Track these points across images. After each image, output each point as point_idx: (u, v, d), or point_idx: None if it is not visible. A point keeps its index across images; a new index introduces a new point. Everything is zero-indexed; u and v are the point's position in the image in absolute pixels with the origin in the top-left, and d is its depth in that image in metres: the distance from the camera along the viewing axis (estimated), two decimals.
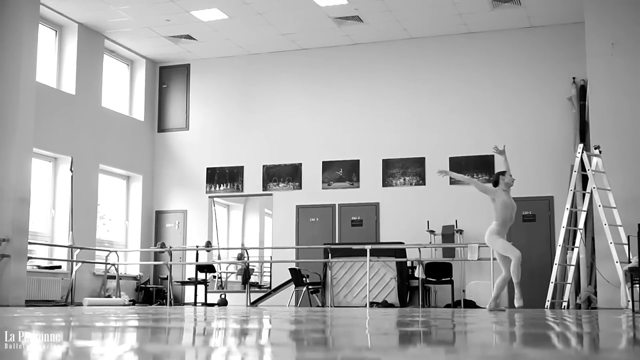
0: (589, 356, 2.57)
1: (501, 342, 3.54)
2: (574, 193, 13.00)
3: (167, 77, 17.77)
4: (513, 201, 9.94)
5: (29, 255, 13.31)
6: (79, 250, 14.67)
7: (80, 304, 14.12)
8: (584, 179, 13.05)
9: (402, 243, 14.36)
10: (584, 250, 13.18)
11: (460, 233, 14.91)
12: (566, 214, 12.90)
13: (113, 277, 15.69)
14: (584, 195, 13.08)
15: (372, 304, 13.61)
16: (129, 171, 16.93)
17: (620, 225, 12.06)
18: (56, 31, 15.26)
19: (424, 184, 15.54)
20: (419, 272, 14.11)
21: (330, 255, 14.53)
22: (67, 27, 15.29)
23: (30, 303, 13.03)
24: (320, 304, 14.65)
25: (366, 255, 13.41)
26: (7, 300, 12.47)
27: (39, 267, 14.04)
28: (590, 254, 13.28)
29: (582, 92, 14.28)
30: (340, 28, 15.40)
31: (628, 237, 11.58)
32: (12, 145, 12.97)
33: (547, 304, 12.51)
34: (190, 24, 15.27)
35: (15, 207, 12.82)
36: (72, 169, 14.90)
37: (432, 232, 14.91)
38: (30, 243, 13.32)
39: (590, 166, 12.51)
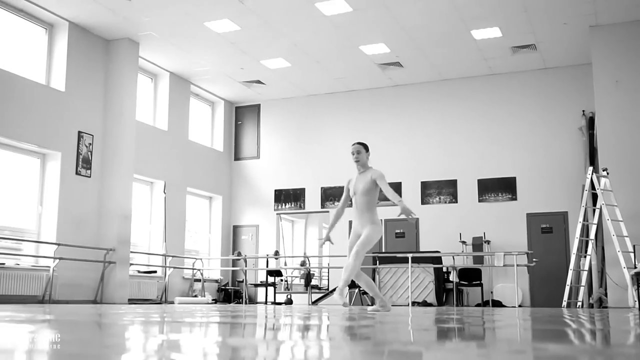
0: (602, 350, 2.50)
1: (525, 336, 3.47)
2: (585, 209, 12.77)
3: (241, 115, 18.00)
4: (359, 185, 7.57)
5: (130, 262, 13.55)
6: (171, 257, 14.89)
7: (172, 302, 14.29)
8: (594, 197, 12.79)
9: (439, 252, 14.22)
10: (595, 257, 12.89)
11: (488, 243, 14.71)
12: (579, 226, 12.66)
13: (198, 280, 15.86)
14: (594, 210, 12.79)
15: (413, 303, 13.48)
16: (211, 192, 17.14)
17: (627, 236, 11.81)
18: (152, 79, 15.60)
19: (457, 202, 15.38)
20: (453, 277, 13.94)
21: (378, 262, 14.45)
22: (161, 75, 15.62)
23: (132, 301, 13.25)
24: (370, 304, 14.55)
25: (408, 262, 13.30)
26: (114, 299, 12.71)
27: (139, 271, 14.28)
28: (600, 261, 12.95)
29: (590, 122, 14.02)
30: (384, 72, 15.41)
31: (634, 246, 11.38)
32: (117, 172, 13.26)
33: (564, 303, 12.25)
34: (260, 71, 15.46)
35: (120, 222, 13.08)
36: (165, 191, 15.14)
37: (463, 242, 14.74)
38: (131, 252, 13.56)
39: (599, 185, 12.27)
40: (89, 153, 13.03)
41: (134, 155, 13.60)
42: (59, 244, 11.92)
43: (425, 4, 11.86)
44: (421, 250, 15.12)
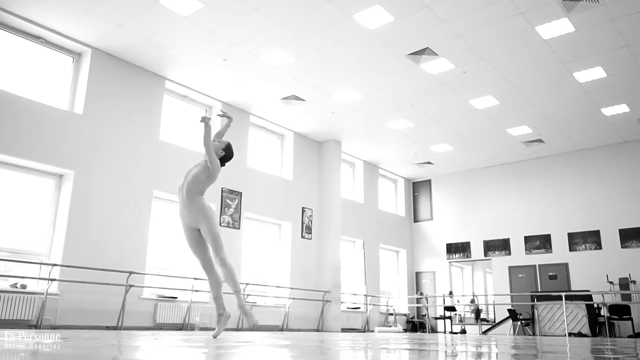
0: None
1: None
2: None
3: (417, 188, 17.87)
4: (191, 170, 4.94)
5: (341, 300, 13.70)
6: (370, 297, 14.85)
7: (373, 331, 14.16)
8: None
9: (589, 291, 12.73)
10: None
11: (634, 283, 12.90)
12: None
13: (391, 314, 15.60)
14: None
15: (569, 334, 12.10)
16: (397, 247, 17.00)
17: None
18: (350, 166, 16.08)
19: (601, 249, 13.77)
20: (604, 312, 12.36)
21: (535, 299, 13.26)
22: (357, 163, 16.06)
23: (343, 330, 13.33)
24: (531, 334, 13.31)
25: (562, 300, 12.06)
26: (330, 328, 12.86)
27: (347, 307, 14.38)
28: None
29: None
30: (528, 148, 14.55)
31: None
32: (329, 234, 13.65)
33: None
34: (430, 155, 15.33)
35: (332, 271, 13.35)
36: (364, 247, 15.30)
37: (611, 282, 13.07)
38: (341, 293, 13.70)
39: None
40: (310, 222, 13.60)
41: (340, 222, 13.97)
42: (291, 288, 12.43)
43: (560, 91, 11.13)
44: (572, 289, 13.64)
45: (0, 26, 8.69)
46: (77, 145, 9.17)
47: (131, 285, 9.00)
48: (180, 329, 9.69)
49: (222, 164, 5.02)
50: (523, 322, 13.48)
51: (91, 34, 9.17)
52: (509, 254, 15.26)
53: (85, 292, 8.69)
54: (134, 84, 10.15)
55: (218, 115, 5.31)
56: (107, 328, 8.59)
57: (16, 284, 8.09)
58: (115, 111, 9.80)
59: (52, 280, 8.17)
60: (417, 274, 17.14)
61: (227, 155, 5.04)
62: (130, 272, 9.07)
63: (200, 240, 4.85)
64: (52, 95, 9.31)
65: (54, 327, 8.11)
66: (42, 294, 8.11)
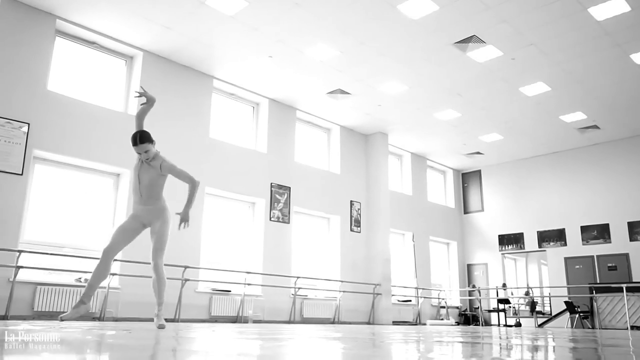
0: None
1: None
2: None
3: (466, 179, 17.53)
4: (144, 175, 5.07)
5: (392, 293, 13.64)
6: (421, 289, 14.71)
7: (424, 324, 14.03)
8: None
9: None
10: None
11: None
12: None
13: (443, 307, 15.41)
14: None
15: (632, 327, 11.61)
16: (447, 239, 16.75)
17: None
18: (398, 158, 15.91)
19: None
20: None
21: (594, 291, 12.79)
22: (404, 155, 15.90)
23: (395, 323, 13.27)
24: (590, 327, 12.86)
25: (623, 292, 11.58)
26: (381, 321, 12.84)
27: (398, 300, 14.30)
28: None
29: None
30: (583, 134, 13.99)
31: None
32: (378, 227, 13.60)
33: None
34: (479, 145, 15.00)
35: (382, 264, 13.30)
36: (414, 240, 15.15)
37: None
38: (392, 286, 13.64)
39: None
40: (359, 215, 13.59)
41: (389, 214, 13.88)
42: (342, 281, 12.47)
43: (616, 75, 10.63)
44: (634, 281, 13.06)
45: (59, 34, 9.11)
46: None
47: (187, 280, 9.28)
48: (234, 322, 9.91)
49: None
50: (581, 314, 13.03)
51: (142, 37, 9.47)
52: (565, 244, 14.76)
53: (144, 286, 9.00)
54: (183, 83, 10.41)
55: (135, 96, 5.17)
56: (165, 320, 8.88)
57: (80, 278, 8.49)
58: (167, 111, 10.09)
59: (113, 274, 8.52)
60: (469, 266, 16.84)
61: (151, 140, 4.89)
62: (186, 267, 9.34)
63: (135, 235, 4.95)
64: (107, 97, 9.69)
65: (116, 320, 8.47)
66: (105, 287, 8.47)
